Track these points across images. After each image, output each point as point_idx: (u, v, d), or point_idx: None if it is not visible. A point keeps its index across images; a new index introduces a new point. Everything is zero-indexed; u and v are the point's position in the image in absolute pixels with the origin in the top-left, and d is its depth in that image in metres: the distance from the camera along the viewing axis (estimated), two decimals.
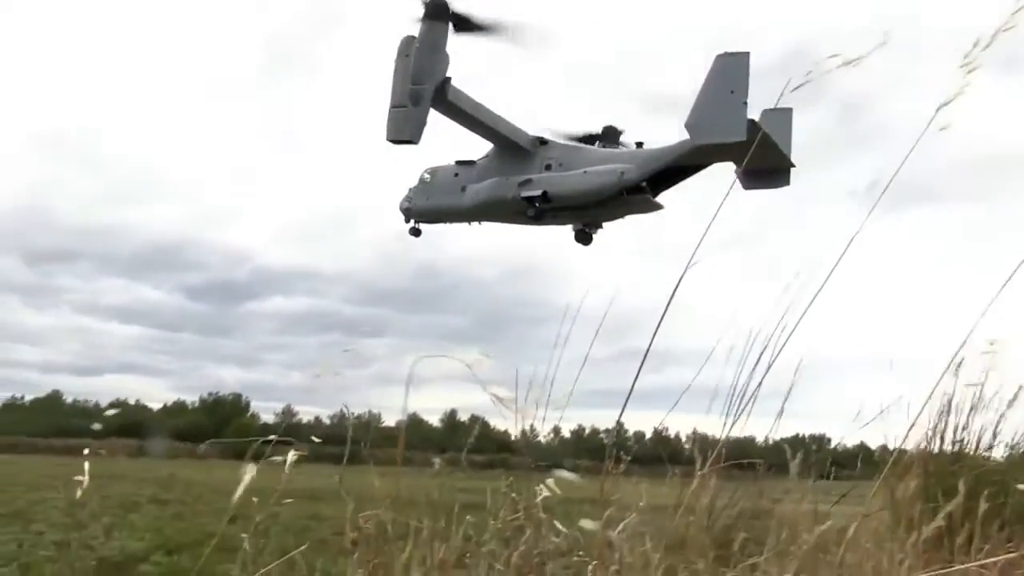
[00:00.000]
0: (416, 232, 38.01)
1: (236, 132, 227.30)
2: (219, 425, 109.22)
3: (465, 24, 33.32)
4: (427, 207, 37.14)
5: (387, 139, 33.35)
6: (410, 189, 37.56)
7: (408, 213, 37.56)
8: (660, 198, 34.81)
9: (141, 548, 22.83)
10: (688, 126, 31.89)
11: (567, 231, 37.17)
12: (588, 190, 33.93)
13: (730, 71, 30.98)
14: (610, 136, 37.33)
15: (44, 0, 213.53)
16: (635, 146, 35.98)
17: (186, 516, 31.83)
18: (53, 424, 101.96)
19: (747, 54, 31.14)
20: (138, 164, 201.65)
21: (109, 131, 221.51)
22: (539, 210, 34.32)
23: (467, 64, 34.72)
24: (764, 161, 31.46)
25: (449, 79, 33.63)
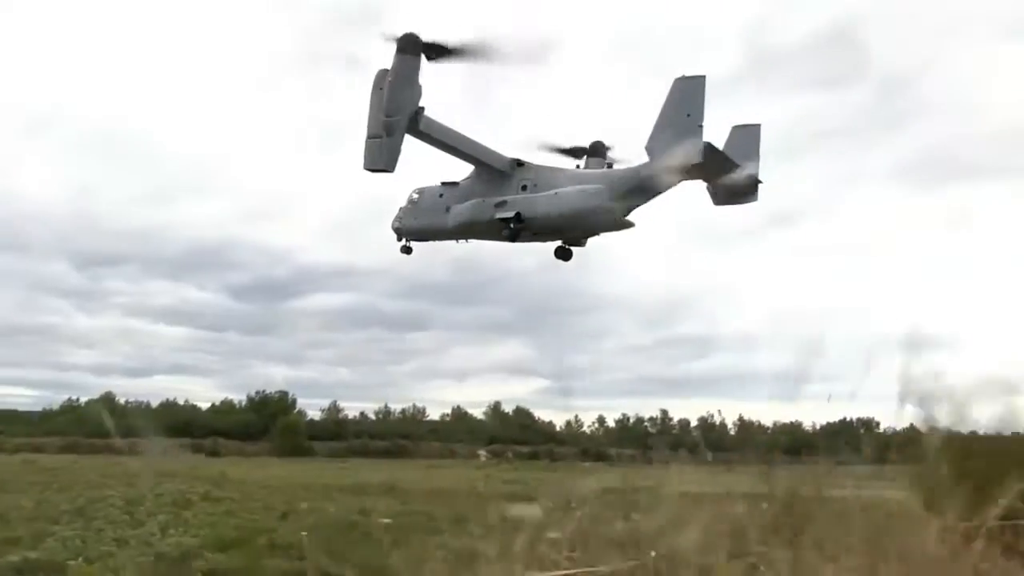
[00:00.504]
0: (407, 250, 39.92)
1: (274, 131, 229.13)
2: (266, 422, 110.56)
3: (439, 52, 34.43)
4: (416, 227, 39.06)
5: (364, 168, 35.06)
6: (400, 209, 39.40)
7: (399, 232, 39.46)
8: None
9: (196, 544, 23.27)
10: (648, 149, 33.55)
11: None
12: (560, 211, 35.51)
13: (687, 94, 32.58)
14: (598, 151, 39.11)
15: (82, 4, 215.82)
16: (606, 167, 37.72)
17: (238, 513, 32.36)
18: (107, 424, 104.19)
19: (703, 77, 32.78)
20: (178, 165, 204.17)
21: (149, 133, 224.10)
22: (514, 231, 36.01)
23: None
24: (732, 178, 33.44)
25: (422, 109, 35.14)
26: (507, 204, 36.07)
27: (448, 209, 37.90)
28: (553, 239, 38.04)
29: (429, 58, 34.68)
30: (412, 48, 34.29)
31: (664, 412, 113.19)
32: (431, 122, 35.60)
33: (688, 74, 32.95)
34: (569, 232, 37.40)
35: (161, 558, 21.33)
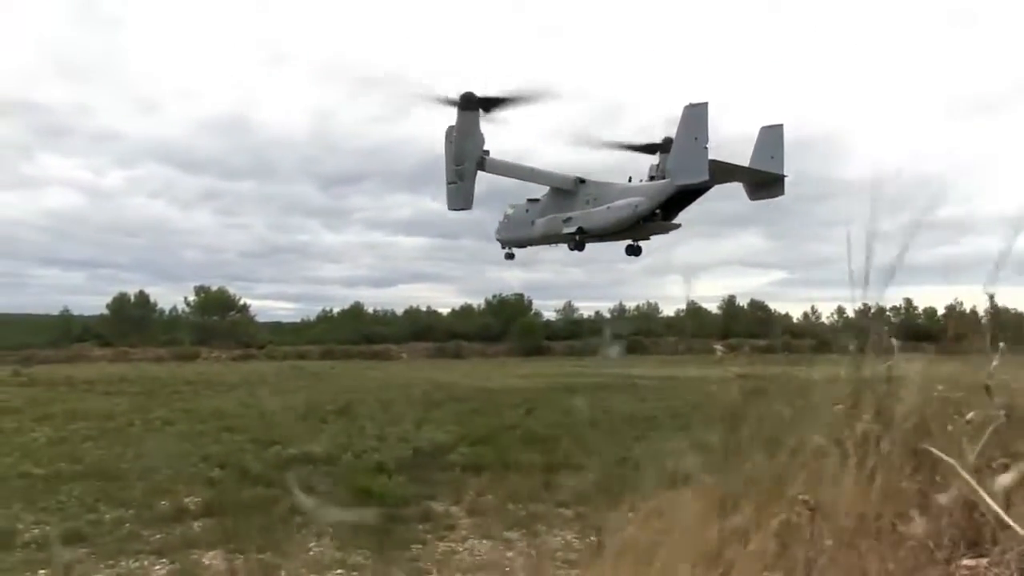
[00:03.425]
0: (511, 256, 47.38)
1: (497, 34, 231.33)
2: (505, 325, 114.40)
3: (493, 104, 40.55)
4: (511, 238, 46.45)
5: (448, 209, 43.15)
6: (499, 223, 46.68)
7: (501, 243, 46.78)
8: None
9: (448, 440, 24.61)
10: (669, 168, 39.82)
11: None
12: (612, 222, 41.81)
13: (693, 120, 37.63)
14: (668, 146, 42.26)
15: None
16: (649, 179, 42.54)
17: (484, 411, 33.91)
18: (358, 332, 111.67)
19: (705, 104, 37.74)
20: (409, 79, 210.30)
21: (378, 53, 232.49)
22: (578, 242, 43.13)
23: None
24: (759, 177, 39.46)
25: (486, 153, 42.09)
26: (572, 220, 42.95)
27: (532, 223, 45.04)
28: (617, 240, 44.40)
29: (486, 111, 40.98)
30: (470, 105, 40.83)
31: (908, 301, 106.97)
32: (495, 163, 42.49)
33: (694, 102, 37.91)
34: (623, 236, 43.67)
35: (418, 452, 22.80)
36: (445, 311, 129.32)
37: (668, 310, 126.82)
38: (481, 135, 42.09)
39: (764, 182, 40.17)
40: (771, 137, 40.03)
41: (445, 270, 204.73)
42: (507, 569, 12.76)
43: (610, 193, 42.60)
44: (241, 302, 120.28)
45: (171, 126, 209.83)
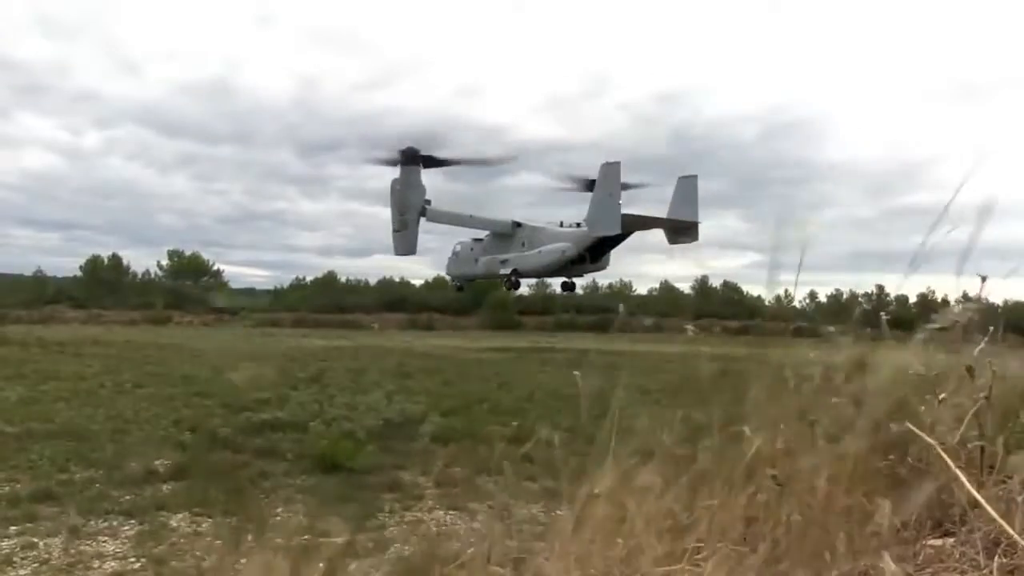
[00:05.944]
0: (460, 289, 54.49)
1: (487, 5, 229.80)
2: (477, 298, 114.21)
3: (432, 162, 45.49)
4: (458, 273, 51.37)
5: (395, 254, 48.05)
6: (448, 259, 51.13)
7: (451, 278, 52.30)
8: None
9: (418, 411, 24.68)
10: (586, 220, 44.38)
11: None
12: (543, 265, 46.86)
13: (608, 177, 42.15)
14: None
15: None
16: (576, 226, 46.33)
17: (455, 383, 33.98)
18: (330, 301, 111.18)
19: (619, 163, 42.60)
20: (394, 49, 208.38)
21: (365, 20, 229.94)
22: (513, 282, 48.18)
23: None
24: (672, 224, 43.49)
25: (428, 203, 46.91)
26: (508, 261, 47.10)
27: (476, 260, 49.01)
28: (551, 278, 50.45)
29: (426, 166, 45.56)
30: (412, 160, 45.30)
31: (880, 288, 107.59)
32: (436, 212, 47.33)
33: (610, 161, 42.65)
34: (555, 275, 49.10)
35: (388, 422, 22.86)
36: (418, 283, 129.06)
37: (642, 288, 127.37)
38: (423, 186, 46.15)
39: (679, 228, 43.59)
40: (687, 186, 43.71)
41: (421, 241, 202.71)
42: (472, 540, 12.90)
43: (542, 237, 46.55)
44: (214, 267, 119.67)
45: (151, 88, 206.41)
